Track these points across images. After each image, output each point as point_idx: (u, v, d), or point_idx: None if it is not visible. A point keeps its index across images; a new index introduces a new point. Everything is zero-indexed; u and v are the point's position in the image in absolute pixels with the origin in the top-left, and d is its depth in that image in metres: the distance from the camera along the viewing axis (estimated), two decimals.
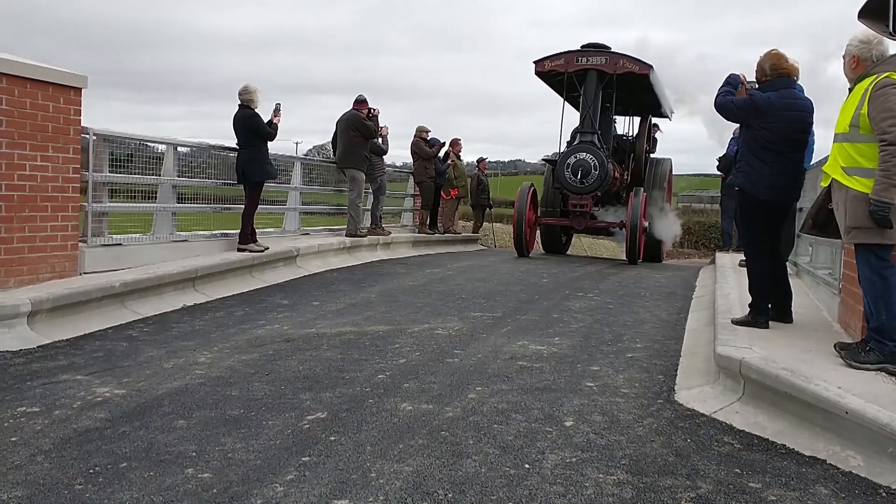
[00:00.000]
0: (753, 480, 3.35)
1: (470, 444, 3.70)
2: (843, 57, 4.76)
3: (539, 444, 3.72)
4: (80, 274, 7.05)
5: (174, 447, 3.61)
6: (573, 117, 15.17)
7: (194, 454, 3.52)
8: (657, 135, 17.68)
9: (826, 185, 4.79)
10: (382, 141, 12.90)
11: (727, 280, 8.26)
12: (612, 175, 13.94)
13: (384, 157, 13.26)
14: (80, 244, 7.18)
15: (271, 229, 11.08)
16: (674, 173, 17.90)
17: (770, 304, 5.74)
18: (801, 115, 5.60)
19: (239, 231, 9.27)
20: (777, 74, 5.62)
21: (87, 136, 7.32)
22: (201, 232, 9.35)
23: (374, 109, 12.22)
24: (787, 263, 6.88)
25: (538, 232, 15.67)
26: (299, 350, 5.59)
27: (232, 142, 9.48)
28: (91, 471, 3.32)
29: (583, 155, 13.47)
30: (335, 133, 12.42)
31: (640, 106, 16.27)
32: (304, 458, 3.48)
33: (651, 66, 13.90)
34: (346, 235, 11.88)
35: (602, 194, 13.94)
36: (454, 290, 8.88)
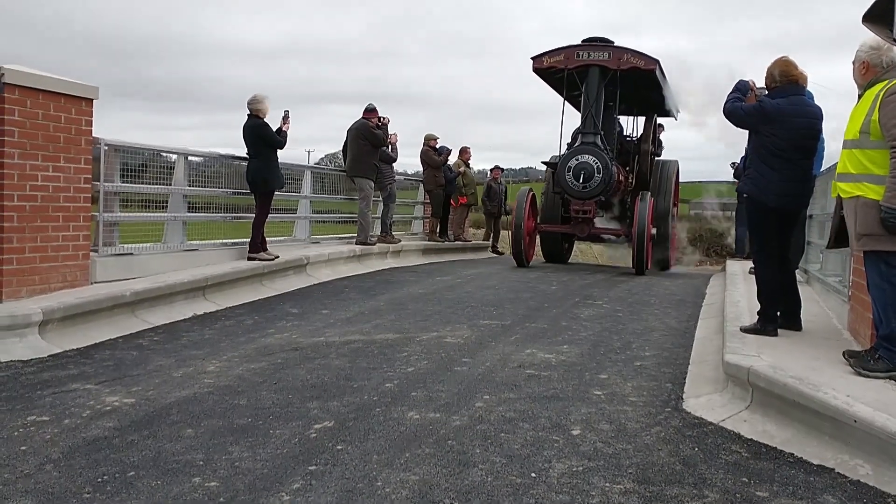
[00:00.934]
0: (761, 489, 3.34)
1: (477, 453, 3.70)
2: (853, 63, 4.76)
3: (546, 453, 3.72)
4: (91, 283, 7.09)
5: (182, 456, 3.62)
6: (575, 119, 14.35)
7: (202, 463, 3.54)
8: (662, 135, 16.73)
9: (836, 195, 4.77)
10: (391, 149, 12.94)
11: (737, 287, 8.23)
12: (617, 178, 13.16)
13: (393, 164, 13.30)
14: (92, 254, 7.23)
15: (282, 238, 11.11)
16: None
17: (779, 312, 5.71)
18: (810, 122, 5.59)
19: (249, 240, 9.31)
20: (787, 81, 5.60)
21: (99, 146, 7.38)
22: (212, 241, 9.39)
23: (384, 118, 12.24)
24: (797, 271, 6.86)
25: (538, 240, 14.90)
26: (308, 359, 5.60)
27: (244, 151, 9.52)
28: (99, 479, 3.34)
29: (585, 157, 12.65)
30: (346, 142, 12.47)
31: (645, 104, 15.32)
32: (310, 467, 3.49)
33: (657, 61, 13.09)
34: (356, 244, 11.90)
35: (606, 199, 13.26)
36: (463, 297, 8.88)
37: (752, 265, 6.64)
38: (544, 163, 14.89)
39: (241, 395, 4.65)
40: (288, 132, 9.52)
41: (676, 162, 16.39)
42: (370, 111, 12.16)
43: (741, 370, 4.46)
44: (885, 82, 4.43)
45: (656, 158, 15.91)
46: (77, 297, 6.37)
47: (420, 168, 15.36)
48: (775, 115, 5.50)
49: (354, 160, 12.04)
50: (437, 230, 15.09)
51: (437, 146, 14.74)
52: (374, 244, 12.20)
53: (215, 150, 9.93)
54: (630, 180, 14.60)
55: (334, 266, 10.73)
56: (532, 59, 13.55)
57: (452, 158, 15.60)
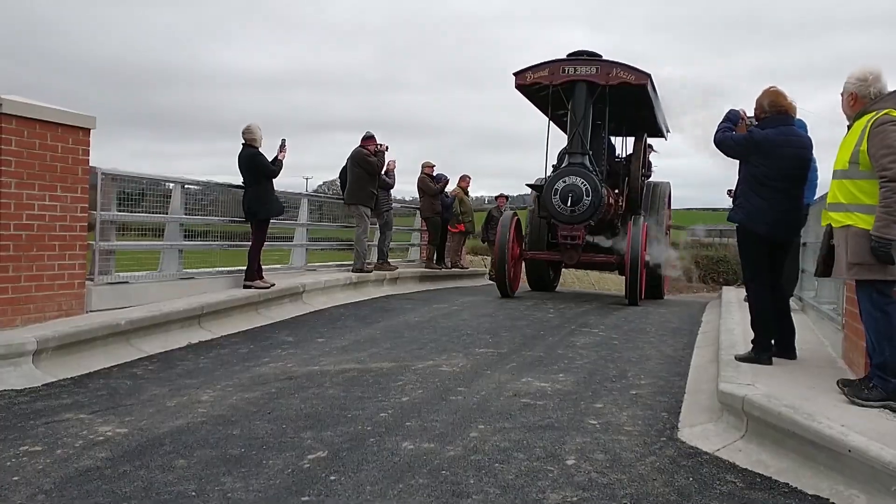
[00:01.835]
0: None
1: (471, 484, 3.69)
2: (841, 94, 4.80)
3: (540, 483, 3.70)
4: (87, 312, 7.09)
5: (174, 487, 3.61)
6: (563, 140, 13.22)
7: (194, 493, 3.52)
8: (652, 156, 15.82)
9: (826, 224, 4.80)
10: (388, 175, 12.97)
11: (732, 315, 8.23)
12: (607, 201, 12.23)
13: (391, 191, 13.32)
14: (87, 282, 7.23)
15: (278, 265, 11.13)
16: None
17: (773, 340, 5.72)
18: (800, 153, 5.64)
19: (245, 268, 9.32)
20: (775, 111, 5.66)
21: (96, 175, 7.40)
22: (208, 269, 9.40)
23: (381, 145, 12.26)
24: (792, 299, 6.86)
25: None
26: (302, 388, 5.59)
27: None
28: None
29: (572, 179, 11.73)
30: (343, 168, 12.51)
31: (635, 123, 14.42)
32: (303, 498, 3.48)
33: (649, 75, 12.11)
34: (352, 271, 11.91)
35: (595, 223, 12.17)
36: (460, 325, 8.88)
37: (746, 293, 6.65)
38: (529, 185, 13.99)
39: (234, 424, 4.64)
40: (284, 160, 9.56)
41: (668, 183, 15.63)
42: (368, 138, 12.22)
43: (735, 399, 4.46)
44: (874, 113, 4.48)
45: (646, 180, 15.11)
46: (72, 325, 6.37)
47: (417, 195, 15.39)
48: (765, 145, 5.55)
49: (351, 187, 12.10)
50: (434, 258, 15.11)
51: (435, 173, 14.80)
52: (370, 271, 12.21)
53: (218, 177, 10.00)
54: (620, 203, 13.77)
55: (330, 294, 10.72)
56: (514, 74, 12.53)
57: (451, 186, 15.67)
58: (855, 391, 4.41)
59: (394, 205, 14.08)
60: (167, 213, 8.85)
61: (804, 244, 8.22)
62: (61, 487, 3.59)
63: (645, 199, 14.67)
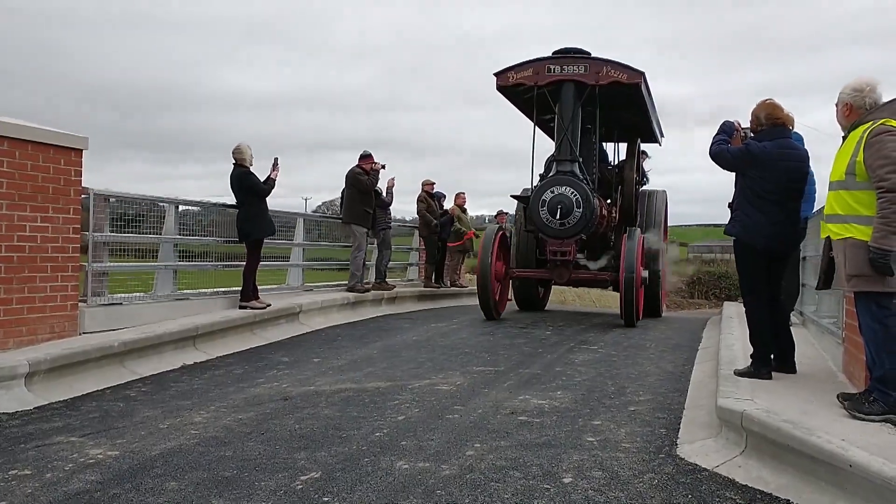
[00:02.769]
0: None
1: (466, 503, 3.62)
2: (836, 105, 4.78)
3: (536, 502, 3.64)
4: (80, 334, 7.03)
5: None
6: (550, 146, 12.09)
7: None
8: (646, 163, 14.85)
9: (825, 236, 4.76)
10: (386, 193, 12.93)
11: (732, 331, 8.18)
12: (599, 213, 11.19)
13: (389, 209, 13.26)
14: (80, 304, 7.17)
15: (274, 286, 11.06)
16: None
17: (773, 355, 5.66)
18: (797, 166, 5.60)
19: (241, 288, 9.26)
20: (772, 124, 5.63)
21: (88, 196, 7.36)
22: (203, 290, 9.34)
23: (376, 164, 12.21)
24: (793, 313, 6.80)
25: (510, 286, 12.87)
26: (297, 408, 5.52)
27: None
28: None
29: (562, 189, 10.65)
30: (343, 188, 12.48)
31: (627, 127, 13.39)
32: None
33: (643, 73, 11.00)
34: (347, 290, 11.84)
35: (587, 237, 11.17)
36: (457, 343, 8.81)
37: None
38: (514, 196, 12.84)
39: (227, 446, 4.57)
40: (276, 179, 9.52)
41: (665, 192, 14.56)
42: (364, 157, 12.20)
43: (734, 414, 4.40)
44: (869, 123, 4.45)
45: (641, 189, 14.22)
46: (64, 347, 6.30)
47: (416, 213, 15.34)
48: (762, 158, 5.51)
49: (346, 207, 12.11)
50: (433, 277, 15.05)
51: (434, 191, 14.78)
52: (367, 291, 12.14)
53: (218, 198, 9.92)
54: (613, 214, 12.80)
55: (327, 314, 10.66)
56: (495, 75, 11.35)
57: (448, 203, 15.65)
58: (855, 405, 4.35)
59: (392, 224, 14.02)
60: (160, 234, 8.79)
61: (804, 258, 8.18)
62: None
63: (639, 211, 13.75)
